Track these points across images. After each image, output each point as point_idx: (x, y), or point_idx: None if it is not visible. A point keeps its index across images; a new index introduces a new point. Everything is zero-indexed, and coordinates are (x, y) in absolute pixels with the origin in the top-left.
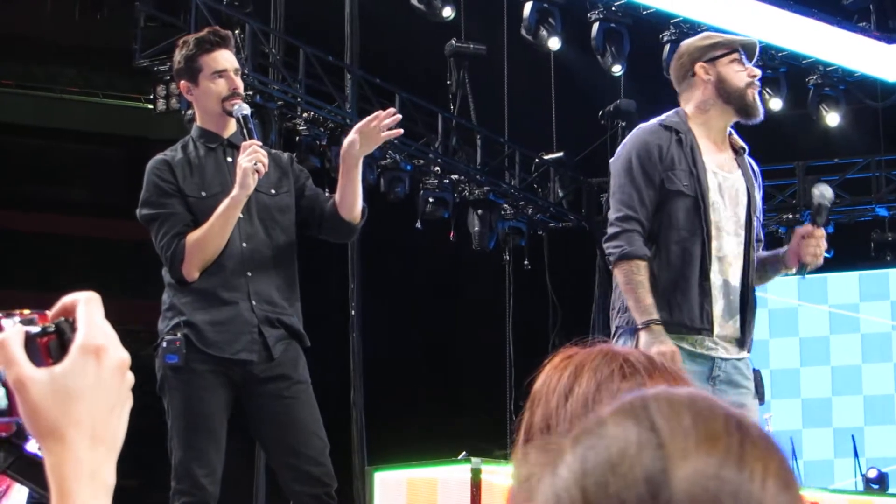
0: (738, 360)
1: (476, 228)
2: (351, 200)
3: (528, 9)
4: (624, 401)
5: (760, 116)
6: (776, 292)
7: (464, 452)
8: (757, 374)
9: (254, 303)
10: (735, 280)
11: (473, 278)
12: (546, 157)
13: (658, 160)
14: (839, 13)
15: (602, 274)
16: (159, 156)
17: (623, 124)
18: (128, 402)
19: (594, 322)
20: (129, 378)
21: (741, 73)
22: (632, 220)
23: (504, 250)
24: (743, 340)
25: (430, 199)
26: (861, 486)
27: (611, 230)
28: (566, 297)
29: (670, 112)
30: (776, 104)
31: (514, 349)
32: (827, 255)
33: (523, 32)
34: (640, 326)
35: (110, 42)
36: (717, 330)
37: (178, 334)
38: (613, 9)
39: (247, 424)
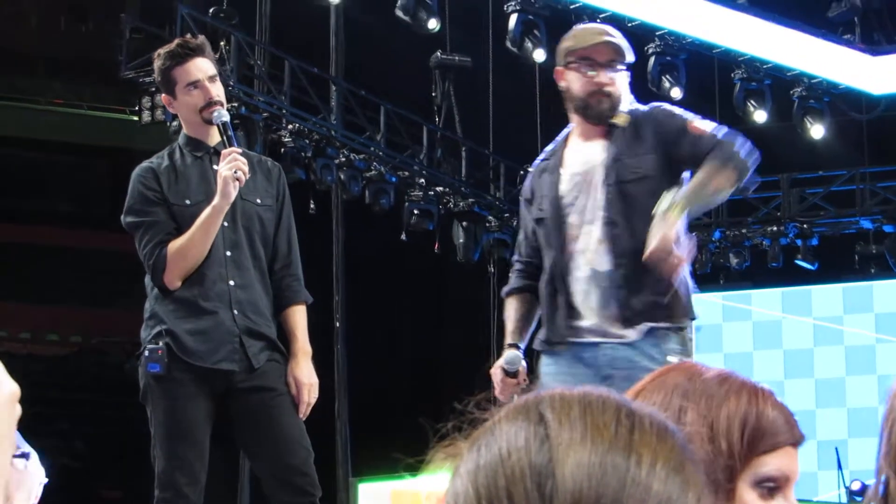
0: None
1: (461, 240)
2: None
3: (513, 20)
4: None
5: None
6: (760, 304)
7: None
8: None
9: (235, 312)
10: (603, 265)
11: (458, 290)
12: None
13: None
14: (824, 25)
15: None
16: (145, 163)
17: None
18: (11, 434)
19: None
20: (17, 410)
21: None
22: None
23: (489, 262)
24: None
25: (415, 211)
26: (845, 499)
27: None
28: None
29: None
30: (761, 116)
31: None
32: (811, 267)
33: (508, 44)
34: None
35: (96, 54)
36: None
37: (160, 343)
38: (598, 21)
39: (231, 433)
